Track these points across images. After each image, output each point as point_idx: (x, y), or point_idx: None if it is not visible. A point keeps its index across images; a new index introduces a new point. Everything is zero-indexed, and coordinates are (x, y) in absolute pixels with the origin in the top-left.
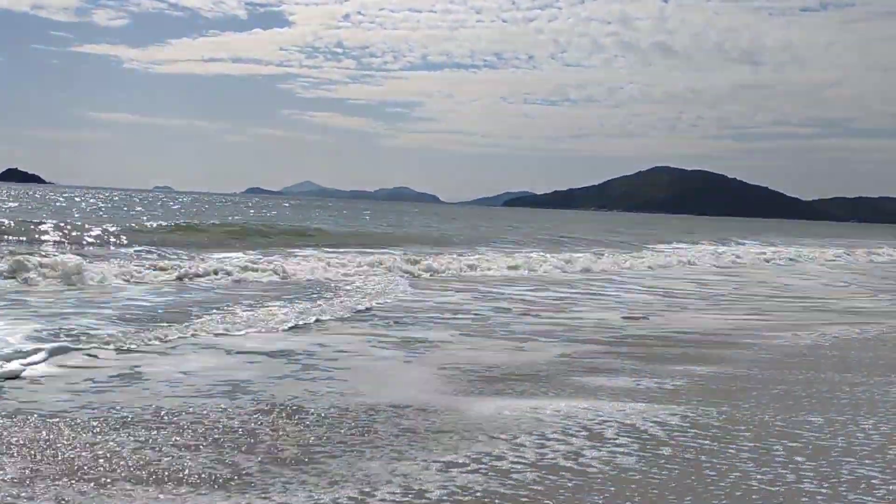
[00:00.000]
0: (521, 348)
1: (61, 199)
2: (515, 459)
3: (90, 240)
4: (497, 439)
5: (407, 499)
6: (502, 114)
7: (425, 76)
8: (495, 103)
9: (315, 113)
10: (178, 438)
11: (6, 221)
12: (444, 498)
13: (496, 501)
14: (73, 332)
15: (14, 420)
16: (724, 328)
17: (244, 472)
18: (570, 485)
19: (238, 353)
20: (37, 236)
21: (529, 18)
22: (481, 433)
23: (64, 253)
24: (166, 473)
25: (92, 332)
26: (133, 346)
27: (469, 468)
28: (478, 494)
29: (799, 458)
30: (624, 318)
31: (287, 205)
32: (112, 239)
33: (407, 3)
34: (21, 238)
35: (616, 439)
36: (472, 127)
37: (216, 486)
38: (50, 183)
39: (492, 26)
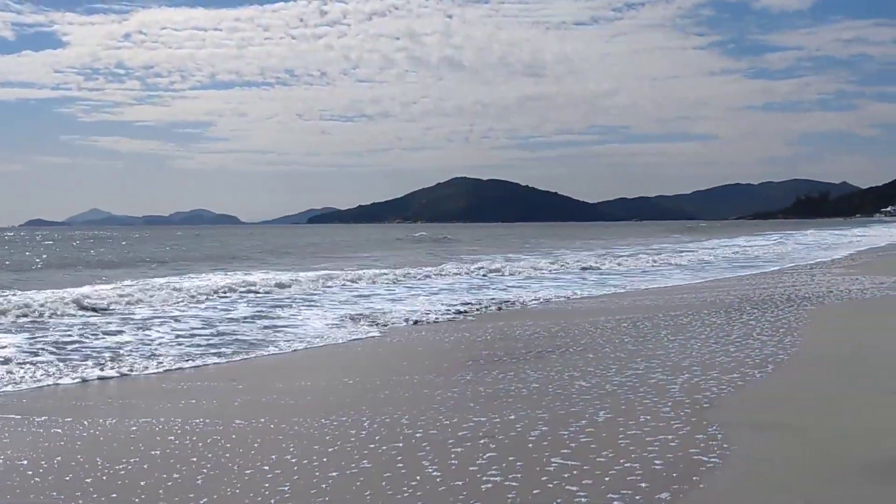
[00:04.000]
0: None
1: None
2: None
3: None
4: None
5: None
6: (299, 131)
7: (216, 95)
8: (291, 120)
9: (99, 137)
10: None
11: None
12: None
13: None
14: None
15: None
16: None
17: None
18: None
19: None
20: None
21: (318, 35)
22: None
23: None
24: None
25: None
26: None
27: None
28: None
29: None
30: None
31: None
32: None
33: (191, 21)
34: None
35: None
36: (268, 145)
37: None
38: None
39: (281, 43)
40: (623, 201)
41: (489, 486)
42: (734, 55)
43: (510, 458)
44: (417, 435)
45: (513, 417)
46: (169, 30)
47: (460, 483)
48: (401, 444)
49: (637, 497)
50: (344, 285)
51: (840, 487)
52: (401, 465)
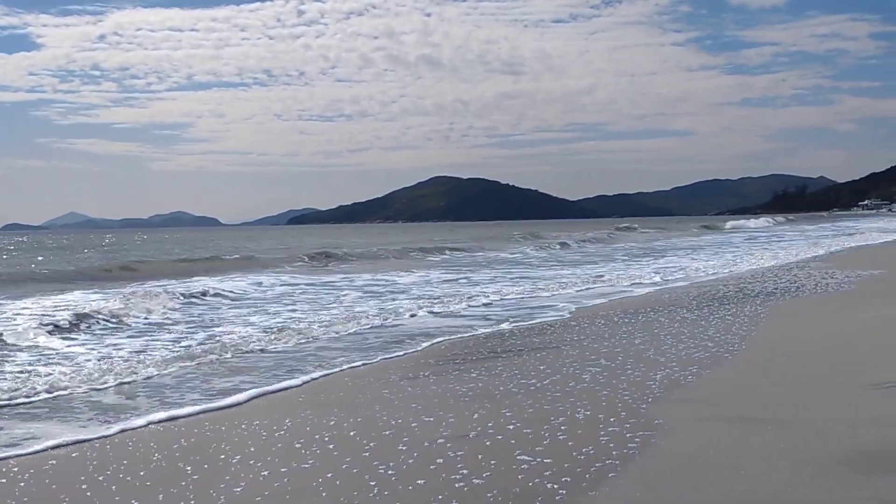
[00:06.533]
0: None
1: None
2: None
3: None
4: None
5: None
6: (277, 131)
7: (193, 96)
8: (269, 121)
9: (75, 140)
10: None
11: None
12: None
13: None
14: None
15: None
16: None
17: None
18: None
19: None
20: None
21: (296, 35)
22: None
23: None
24: None
25: None
26: None
27: None
28: None
29: None
30: None
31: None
32: None
33: (167, 22)
34: None
35: None
36: (247, 146)
37: None
38: None
39: (258, 44)
40: (603, 198)
41: (462, 484)
42: (712, 51)
43: (479, 457)
44: (352, 434)
45: (476, 417)
46: (144, 31)
47: (422, 481)
48: (332, 446)
49: (617, 493)
50: None
51: (819, 479)
52: (346, 465)
